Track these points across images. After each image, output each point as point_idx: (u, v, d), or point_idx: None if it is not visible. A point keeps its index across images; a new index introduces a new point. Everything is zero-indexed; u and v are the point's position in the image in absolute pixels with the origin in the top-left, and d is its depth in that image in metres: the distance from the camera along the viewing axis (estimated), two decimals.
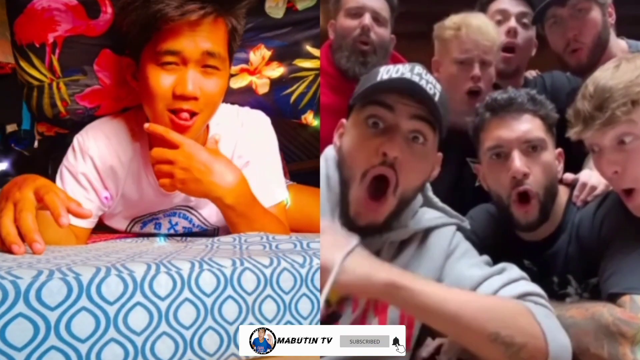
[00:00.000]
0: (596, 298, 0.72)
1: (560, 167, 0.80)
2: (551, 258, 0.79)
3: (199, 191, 0.97)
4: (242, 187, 0.99)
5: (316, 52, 1.23)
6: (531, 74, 1.17)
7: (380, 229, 0.68)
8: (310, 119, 1.31)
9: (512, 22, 1.04)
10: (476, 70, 0.96)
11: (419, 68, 0.67)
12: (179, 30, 0.94)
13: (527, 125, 0.76)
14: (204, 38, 0.95)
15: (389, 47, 1.12)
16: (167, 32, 0.94)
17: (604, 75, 0.71)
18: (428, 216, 0.72)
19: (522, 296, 0.64)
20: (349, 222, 0.66)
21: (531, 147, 0.76)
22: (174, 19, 0.91)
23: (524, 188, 0.75)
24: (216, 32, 0.97)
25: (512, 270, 0.67)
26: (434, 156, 0.68)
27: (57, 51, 1.06)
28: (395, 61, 1.07)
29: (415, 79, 0.65)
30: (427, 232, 0.71)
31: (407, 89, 0.64)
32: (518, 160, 0.75)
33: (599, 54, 0.99)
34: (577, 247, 0.78)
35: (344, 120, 0.70)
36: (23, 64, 1.08)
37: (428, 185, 0.74)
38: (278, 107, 1.26)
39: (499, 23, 1.05)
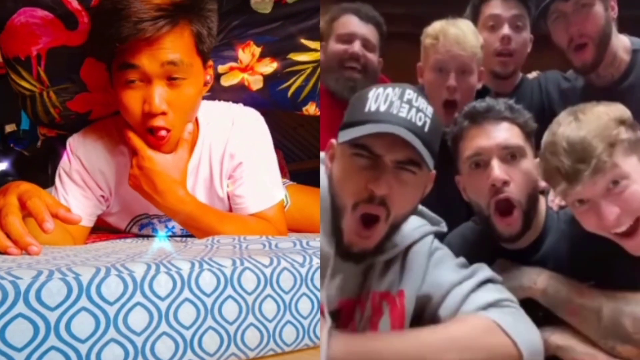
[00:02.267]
0: None
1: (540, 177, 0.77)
2: (538, 263, 0.78)
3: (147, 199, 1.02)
4: (187, 207, 1.02)
5: (313, 44, 1.22)
6: (532, 74, 1.16)
7: (374, 253, 0.68)
8: (313, 110, 1.29)
9: (506, 29, 1.03)
10: (451, 81, 0.95)
11: (409, 93, 0.64)
12: (138, 46, 0.93)
13: (506, 133, 0.75)
14: (163, 50, 0.94)
15: (377, 71, 1.14)
16: (127, 49, 0.93)
17: (570, 129, 0.69)
18: (409, 227, 0.71)
19: (488, 306, 0.66)
20: (343, 249, 0.67)
21: (510, 155, 0.74)
22: (128, 39, 0.91)
23: (504, 196, 0.73)
24: (177, 41, 0.95)
25: (482, 272, 0.70)
26: (426, 178, 0.67)
27: (43, 62, 1.06)
28: (382, 82, 1.07)
29: (404, 109, 0.63)
30: (408, 246, 0.72)
31: (392, 136, 0.62)
32: (497, 168, 0.73)
33: (603, 50, 0.98)
34: (567, 247, 0.77)
35: (333, 141, 0.69)
36: (13, 76, 1.09)
37: None
38: (275, 101, 1.25)
39: (492, 29, 1.04)
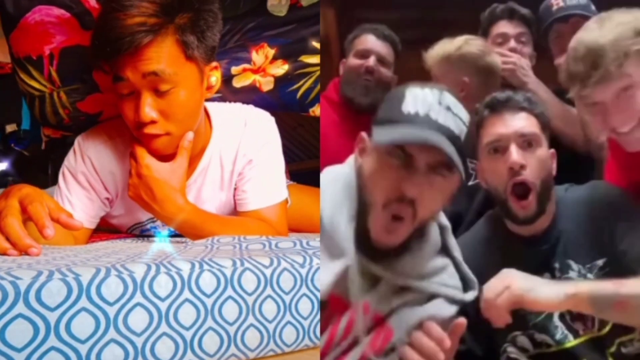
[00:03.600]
0: (602, 279, 0.75)
1: (553, 166, 0.82)
2: (551, 248, 0.81)
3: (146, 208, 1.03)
4: (186, 215, 1.02)
5: None
6: None
7: (396, 250, 0.66)
8: (319, 111, 1.30)
9: (512, 44, 1.14)
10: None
11: (448, 97, 0.63)
12: (122, 61, 0.93)
13: (523, 122, 0.80)
14: (144, 62, 0.93)
15: (389, 85, 1.23)
16: (117, 62, 0.93)
17: (590, 35, 0.74)
18: (443, 276, 0.69)
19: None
20: (367, 245, 0.65)
21: (527, 143, 0.79)
22: (113, 55, 0.91)
23: (521, 178, 0.78)
24: (160, 51, 0.94)
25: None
26: (454, 182, 0.65)
27: (55, 62, 1.06)
28: None
29: (442, 115, 0.62)
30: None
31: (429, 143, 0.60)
32: (515, 153, 0.78)
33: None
34: (578, 230, 0.81)
35: (364, 135, 0.67)
36: (22, 75, 1.08)
37: None
38: (284, 102, 1.26)
39: (501, 45, 1.15)
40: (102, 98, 1.12)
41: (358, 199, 0.66)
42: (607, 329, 0.76)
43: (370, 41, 1.23)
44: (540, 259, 0.80)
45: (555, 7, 1.12)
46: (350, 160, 0.72)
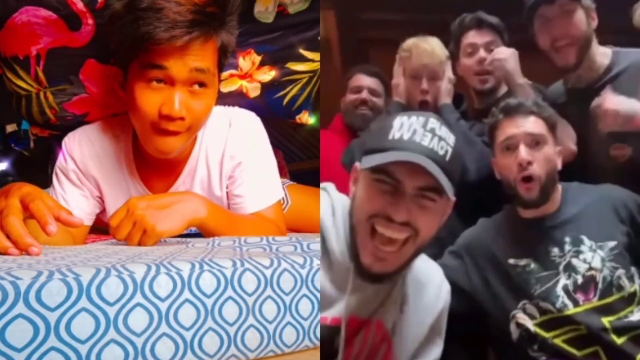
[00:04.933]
0: (614, 261, 0.87)
1: (558, 162, 0.93)
2: (559, 225, 0.92)
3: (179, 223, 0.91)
4: (213, 213, 0.96)
5: (311, 55, 1.23)
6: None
7: (392, 275, 0.68)
8: (305, 118, 1.32)
9: (482, 53, 1.18)
10: (424, 85, 1.16)
11: (432, 121, 0.66)
12: (167, 50, 0.92)
13: (532, 124, 0.92)
14: (192, 57, 0.93)
15: (382, 111, 1.37)
16: (155, 51, 0.92)
17: None
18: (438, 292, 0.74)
19: None
20: (362, 270, 0.67)
21: (535, 142, 0.91)
22: (161, 41, 0.90)
23: (528, 173, 0.90)
24: (205, 51, 0.95)
25: None
26: (446, 205, 0.67)
27: (42, 63, 1.06)
28: None
29: (427, 138, 0.64)
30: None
31: (412, 165, 0.63)
32: (523, 151, 0.90)
33: (584, 52, 1.06)
34: (590, 214, 0.91)
35: (357, 164, 0.69)
36: (9, 75, 1.08)
37: None
38: (270, 108, 1.27)
39: (471, 54, 1.19)
40: (88, 99, 1.12)
41: (349, 225, 0.68)
42: (607, 300, 0.85)
43: (361, 79, 1.40)
44: (546, 234, 0.91)
45: None
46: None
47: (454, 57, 1.20)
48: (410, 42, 1.17)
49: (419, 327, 0.71)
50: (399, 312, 0.70)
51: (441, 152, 0.64)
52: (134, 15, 0.92)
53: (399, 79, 1.18)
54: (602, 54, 1.09)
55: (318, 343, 0.66)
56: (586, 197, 0.93)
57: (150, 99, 0.95)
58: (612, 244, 0.88)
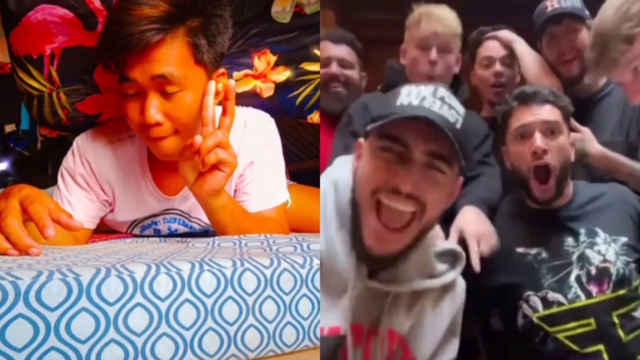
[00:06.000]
0: (626, 255, 0.87)
1: (572, 152, 0.92)
2: (574, 217, 0.91)
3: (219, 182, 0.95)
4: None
5: None
6: None
7: (396, 259, 0.64)
8: (317, 118, 1.30)
9: (497, 67, 1.19)
10: (432, 55, 1.05)
11: (442, 90, 0.62)
12: (131, 60, 0.92)
13: (548, 112, 0.90)
14: (153, 64, 0.92)
15: (359, 85, 1.24)
16: (125, 62, 0.93)
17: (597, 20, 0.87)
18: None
19: None
20: (363, 253, 0.63)
21: (550, 131, 0.89)
22: (120, 53, 0.91)
23: (543, 162, 0.88)
24: (170, 53, 0.93)
25: None
26: (454, 183, 0.64)
27: (56, 62, 1.05)
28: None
29: (437, 105, 0.60)
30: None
31: (423, 127, 0.59)
32: (539, 139, 0.88)
33: (586, 66, 1.10)
34: (605, 209, 0.91)
35: (362, 141, 0.66)
36: (22, 74, 1.07)
37: None
38: (283, 108, 1.26)
39: (487, 67, 1.20)
40: (102, 99, 1.11)
41: (351, 202, 0.64)
42: (620, 292, 0.84)
43: (327, 48, 1.21)
44: (560, 224, 0.91)
45: (549, 9, 1.13)
46: (339, 161, 0.71)
47: (468, 67, 1.20)
48: (421, 8, 1.07)
49: (436, 329, 0.67)
50: (414, 317, 0.66)
51: (452, 120, 0.60)
52: (105, 31, 0.95)
53: (407, 45, 1.09)
54: None
55: (318, 343, 0.66)
56: (596, 191, 0.93)
57: (132, 110, 0.96)
58: (624, 239, 0.88)
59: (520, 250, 0.89)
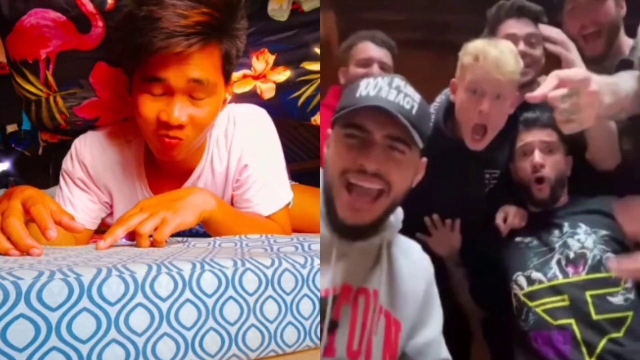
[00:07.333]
0: (605, 245, 0.97)
1: (567, 168, 1.05)
2: (560, 217, 1.03)
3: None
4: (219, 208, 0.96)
5: None
6: None
7: (369, 229, 0.69)
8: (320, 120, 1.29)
9: (522, 46, 1.04)
10: (484, 106, 0.94)
11: (397, 80, 0.68)
12: (166, 60, 0.91)
13: (546, 135, 1.03)
14: (191, 67, 0.92)
15: None
16: (154, 61, 0.92)
17: None
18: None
19: None
20: (338, 225, 0.68)
21: (548, 149, 1.03)
22: (159, 50, 0.89)
23: (540, 175, 1.02)
24: (206, 60, 0.94)
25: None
26: (417, 163, 0.70)
27: (51, 66, 1.04)
28: None
29: (392, 93, 0.66)
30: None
31: (380, 114, 0.65)
32: (538, 156, 1.03)
33: (612, 41, 1.05)
34: (588, 212, 1.03)
35: (330, 131, 0.71)
36: (19, 79, 1.07)
37: None
38: (285, 110, 1.24)
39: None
40: (99, 103, 1.11)
41: (323, 185, 0.70)
42: (595, 275, 0.95)
43: (370, 49, 1.19)
44: (551, 222, 1.03)
45: None
46: None
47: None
48: (478, 45, 0.95)
49: (413, 295, 0.73)
50: (389, 280, 0.72)
51: (407, 106, 0.66)
52: (132, 26, 0.92)
53: (458, 82, 0.97)
54: (627, 46, 1.06)
55: (319, 343, 0.66)
56: (593, 205, 1.03)
57: (151, 107, 0.95)
58: (605, 232, 0.99)
59: (518, 239, 1.04)
